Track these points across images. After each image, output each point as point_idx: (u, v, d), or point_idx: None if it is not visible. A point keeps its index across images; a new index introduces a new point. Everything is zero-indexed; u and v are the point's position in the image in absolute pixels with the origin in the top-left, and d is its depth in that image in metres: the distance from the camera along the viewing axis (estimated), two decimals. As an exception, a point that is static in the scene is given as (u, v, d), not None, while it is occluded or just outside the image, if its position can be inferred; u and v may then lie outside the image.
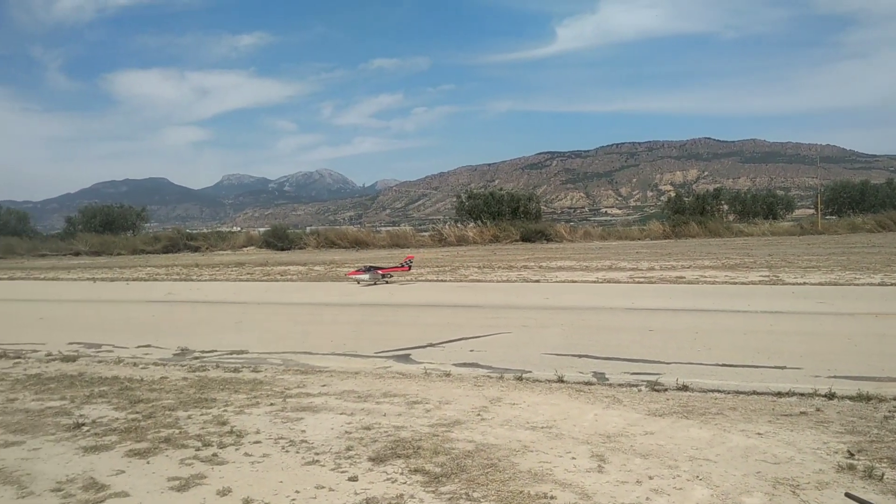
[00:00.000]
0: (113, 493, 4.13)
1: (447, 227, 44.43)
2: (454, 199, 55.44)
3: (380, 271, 18.52)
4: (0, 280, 23.14)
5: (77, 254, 41.34)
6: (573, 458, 4.58)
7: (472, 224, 42.00)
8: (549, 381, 6.86)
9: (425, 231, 49.69)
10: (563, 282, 16.78)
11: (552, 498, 3.88)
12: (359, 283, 17.85)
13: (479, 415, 5.68)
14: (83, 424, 5.60)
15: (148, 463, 4.65)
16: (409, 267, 19.54)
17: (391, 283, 18.25)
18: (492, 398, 6.21)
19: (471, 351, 8.66)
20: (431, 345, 9.16)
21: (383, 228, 58.96)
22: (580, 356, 8.15)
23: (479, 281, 17.92)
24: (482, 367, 7.74)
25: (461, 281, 18.15)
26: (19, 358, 8.84)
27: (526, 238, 38.21)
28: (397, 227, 54.76)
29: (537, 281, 17.24)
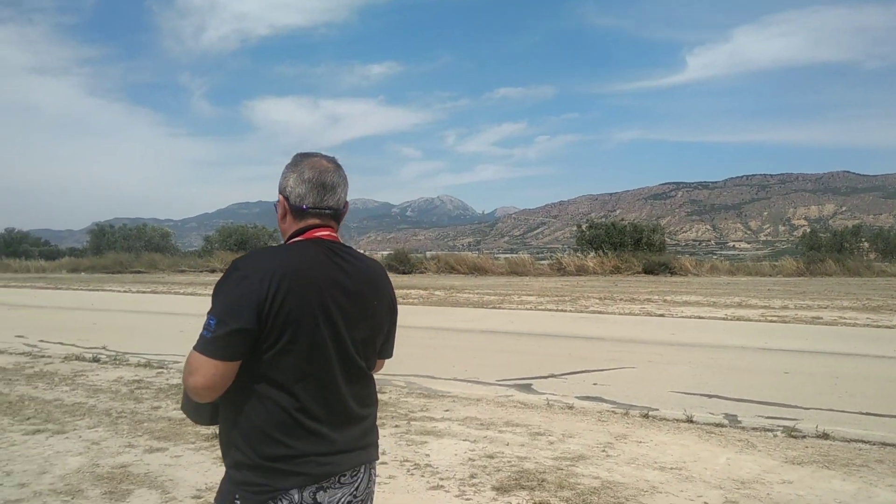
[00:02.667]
0: None
1: (566, 256, 43.98)
2: (574, 229, 54.80)
3: None
4: (144, 293, 24.75)
5: (213, 271, 43.65)
6: (705, 502, 4.41)
7: (592, 254, 41.33)
8: (677, 420, 6.64)
9: (544, 259, 49.34)
10: (690, 317, 16.22)
11: (684, 543, 3.75)
12: None
13: (604, 451, 5.57)
14: (221, 434, 5.89)
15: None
16: None
17: (512, 311, 18.22)
18: (617, 434, 6.08)
19: (594, 384, 8.52)
20: (553, 375, 9.07)
21: (502, 255, 59.01)
22: (710, 396, 7.85)
23: (600, 312, 17.61)
24: (606, 401, 7.60)
25: (581, 312, 17.89)
26: (162, 368, 9.41)
27: (648, 270, 37.22)
28: (515, 255, 54.61)
29: (661, 315, 16.76)
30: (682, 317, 16.39)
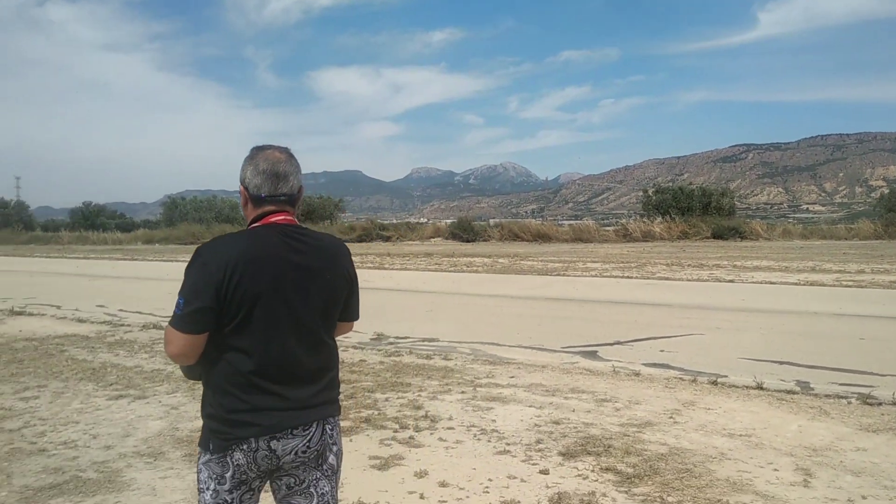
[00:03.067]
0: (321, 465, 4.46)
1: (632, 222, 43.30)
2: (639, 194, 53.86)
3: None
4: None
5: (280, 241, 44.54)
6: (775, 469, 4.36)
7: (658, 219, 40.56)
8: (746, 387, 6.54)
9: (609, 226, 48.69)
10: (760, 283, 15.84)
11: (753, 509, 3.73)
12: None
13: (671, 417, 5.54)
14: (293, 400, 6.08)
15: (350, 441, 4.97)
16: None
17: (576, 278, 18.11)
18: (684, 401, 6.03)
19: (661, 351, 8.44)
20: (619, 342, 9.02)
21: (566, 222, 58.41)
22: (781, 363, 7.70)
23: (667, 279, 17.35)
24: (673, 368, 7.52)
25: (648, 278, 17.66)
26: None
27: (717, 235, 36.39)
28: (580, 221, 53.96)
29: (731, 281, 16.42)
30: (753, 282, 16.02)
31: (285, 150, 2.31)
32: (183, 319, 2.09)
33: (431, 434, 5.10)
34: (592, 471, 4.32)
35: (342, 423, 5.25)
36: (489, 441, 4.95)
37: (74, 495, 3.99)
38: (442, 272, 21.12)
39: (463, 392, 6.34)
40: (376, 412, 5.67)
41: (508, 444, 4.86)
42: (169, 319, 2.13)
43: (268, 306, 2.13)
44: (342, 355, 8.10)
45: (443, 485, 4.11)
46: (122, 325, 10.84)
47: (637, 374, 7.13)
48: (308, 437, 2.19)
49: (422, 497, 3.92)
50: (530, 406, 5.90)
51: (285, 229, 2.22)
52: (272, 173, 2.23)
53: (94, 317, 11.80)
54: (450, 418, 5.49)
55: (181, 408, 5.93)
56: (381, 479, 4.23)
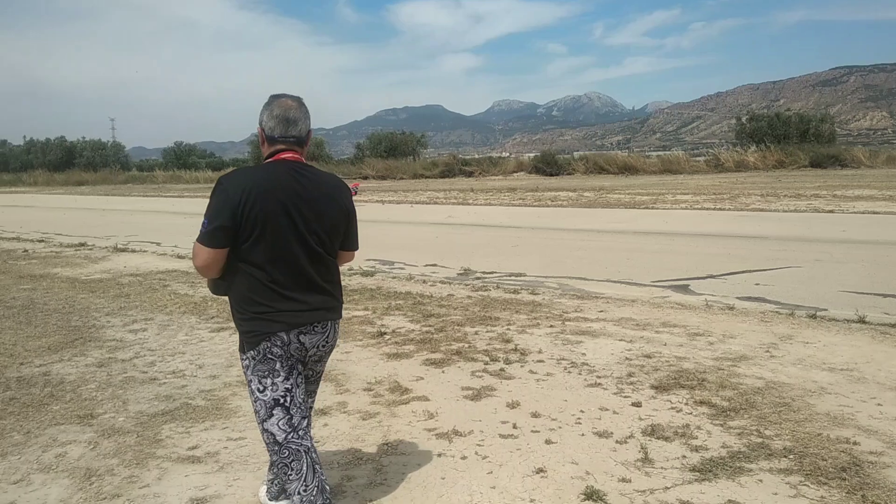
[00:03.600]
0: (414, 396, 4.58)
1: (725, 151, 41.75)
2: (732, 122, 51.77)
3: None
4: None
5: (365, 178, 45.10)
6: (879, 404, 4.22)
7: (752, 148, 38.94)
8: (847, 320, 6.31)
9: (699, 156, 47.11)
10: (862, 213, 15.11)
11: (855, 444, 3.63)
12: None
13: (767, 351, 5.41)
14: (385, 333, 6.23)
15: (443, 372, 5.07)
16: (355, 193, 21.02)
17: (666, 211, 17.69)
18: (781, 335, 5.87)
19: (756, 284, 8.20)
20: (712, 276, 8.81)
21: (653, 153, 56.77)
22: (885, 295, 7.37)
23: (762, 210, 16.75)
24: (769, 301, 7.32)
25: (741, 210, 17.09)
26: (327, 271, 9.96)
27: (816, 164, 34.71)
28: (668, 152, 52.31)
29: (830, 211, 15.72)
30: (854, 212, 15.30)
31: (297, 99, 2.71)
32: (206, 235, 2.53)
33: (521, 367, 5.14)
34: (686, 404, 4.29)
35: (433, 356, 5.40)
36: (579, 374, 4.97)
37: (185, 421, 4.23)
38: (526, 207, 20.99)
39: (551, 326, 6.35)
40: (466, 345, 5.75)
41: (599, 377, 4.87)
42: (196, 236, 2.57)
43: (276, 226, 2.54)
44: (430, 290, 8.25)
45: (535, 415, 4.16)
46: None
47: (731, 308, 6.97)
48: (326, 334, 2.74)
49: (515, 426, 3.99)
50: (620, 340, 5.86)
51: (294, 165, 2.64)
52: (284, 118, 2.64)
53: (193, 254, 12.27)
54: (539, 351, 5.52)
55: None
56: (474, 409, 4.31)
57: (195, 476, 3.47)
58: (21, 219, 21.27)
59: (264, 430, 2.65)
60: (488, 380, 4.87)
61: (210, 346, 5.99)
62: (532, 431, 3.93)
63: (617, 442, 3.75)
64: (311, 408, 2.95)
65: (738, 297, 7.50)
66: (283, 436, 2.62)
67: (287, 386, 2.64)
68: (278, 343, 2.60)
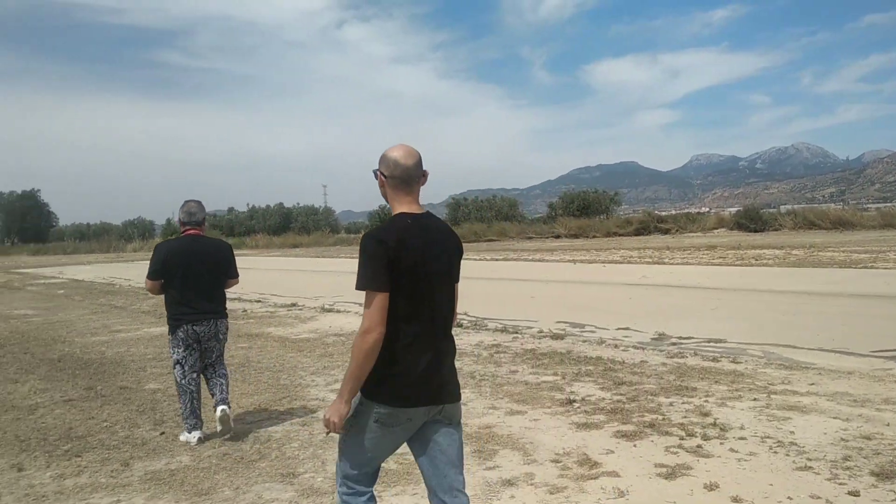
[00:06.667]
0: (604, 471, 4.42)
1: (960, 202, 37.37)
2: (969, 170, 46.37)
3: None
4: (497, 261, 26.47)
5: (557, 237, 45.12)
6: None
7: None
8: None
9: (928, 209, 42.49)
10: None
11: None
12: None
13: None
14: (574, 401, 6.10)
15: (634, 446, 4.87)
16: None
17: (887, 270, 16.07)
18: None
19: None
20: (946, 346, 7.82)
21: (872, 206, 51.97)
22: None
23: None
24: None
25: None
26: (517, 333, 9.98)
27: None
28: (891, 205, 47.63)
29: None
30: None
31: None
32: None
33: (721, 444, 4.82)
34: (915, 497, 3.80)
35: (625, 428, 5.19)
36: (787, 455, 4.57)
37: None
38: (727, 266, 19.93)
39: (755, 399, 5.92)
40: (660, 417, 5.49)
41: (810, 460, 4.44)
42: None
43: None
44: (622, 355, 8.00)
45: (736, 500, 3.87)
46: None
47: (971, 385, 6.13)
48: (209, 325, 5.49)
49: (713, 512, 3.73)
50: (835, 417, 5.34)
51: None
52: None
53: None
54: (741, 427, 5.16)
55: (469, 404, 6.20)
56: (668, 489, 4.09)
57: (385, 541, 3.55)
58: (242, 279, 23.27)
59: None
60: (684, 457, 4.60)
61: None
62: (733, 518, 3.65)
63: (832, 537, 3.39)
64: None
65: (980, 373, 6.59)
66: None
67: (184, 355, 5.43)
68: (185, 328, 5.43)
